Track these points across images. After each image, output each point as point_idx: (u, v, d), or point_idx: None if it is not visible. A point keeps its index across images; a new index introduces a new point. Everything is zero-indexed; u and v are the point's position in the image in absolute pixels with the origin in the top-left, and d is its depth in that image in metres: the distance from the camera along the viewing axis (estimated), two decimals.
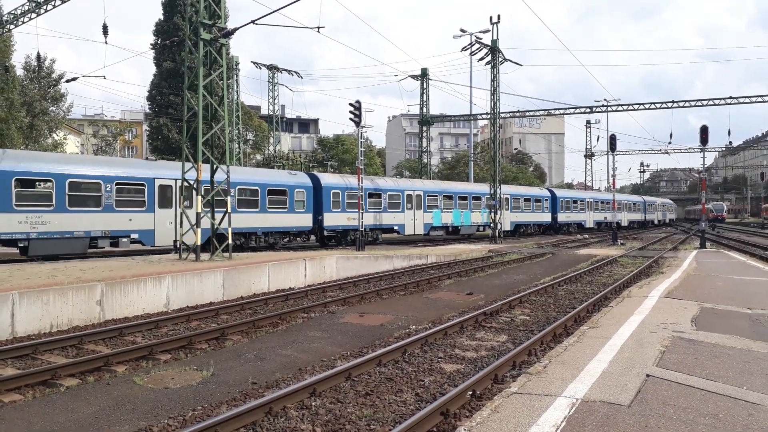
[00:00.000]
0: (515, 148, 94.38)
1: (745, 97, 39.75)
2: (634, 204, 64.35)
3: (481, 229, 39.34)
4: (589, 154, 69.27)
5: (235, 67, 42.72)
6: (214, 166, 18.25)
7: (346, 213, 28.56)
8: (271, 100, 46.26)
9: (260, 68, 45.22)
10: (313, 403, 6.63)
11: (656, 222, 72.75)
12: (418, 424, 5.64)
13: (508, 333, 10.32)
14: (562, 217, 47.53)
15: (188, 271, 13.83)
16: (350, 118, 24.97)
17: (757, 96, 39.75)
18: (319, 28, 19.30)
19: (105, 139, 45.24)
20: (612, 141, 35.57)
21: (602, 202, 54.48)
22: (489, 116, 37.17)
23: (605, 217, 53.72)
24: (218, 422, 5.70)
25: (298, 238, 27.48)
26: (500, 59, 34.58)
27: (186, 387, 7.42)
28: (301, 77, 45.95)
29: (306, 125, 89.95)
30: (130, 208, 20.04)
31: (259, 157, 54.09)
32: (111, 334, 10.17)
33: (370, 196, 29.93)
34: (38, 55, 35.23)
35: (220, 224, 18.12)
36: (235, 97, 43.43)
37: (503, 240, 35.36)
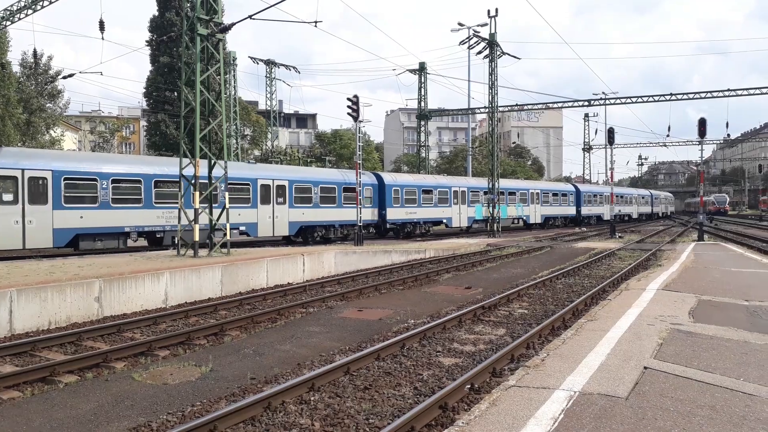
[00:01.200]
0: (513, 142, 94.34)
1: (743, 89, 39.73)
2: (643, 197, 68.62)
3: (516, 221, 43.27)
4: (588, 148, 69.20)
5: (232, 62, 42.60)
6: (212, 161, 18.22)
7: (404, 208, 32.20)
8: (268, 95, 46.20)
9: (258, 63, 45.17)
10: (312, 398, 6.64)
11: (661, 214, 75.96)
12: (417, 417, 5.66)
13: (506, 326, 10.34)
14: (585, 210, 51.37)
15: (186, 267, 13.82)
16: (348, 113, 24.94)
17: (756, 88, 39.73)
18: (316, 22, 19.25)
19: (102, 135, 45.13)
20: (610, 134, 35.57)
21: (618, 196, 58.40)
22: (487, 110, 37.13)
23: (620, 210, 58.30)
24: (217, 417, 5.71)
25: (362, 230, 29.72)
26: (498, 53, 34.54)
27: (185, 383, 7.42)
28: (299, 72, 45.98)
29: (304, 120, 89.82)
30: (239, 204, 23.20)
31: (257, 152, 54.02)
32: (109, 331, 10.17)
33: (424, 192, 33.59)
34: (35, 52, 35.07)
35: (217, 219, 18.11)
36: (233, 92, 43.35)
37: (502, 234, 35.40)
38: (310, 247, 22.54)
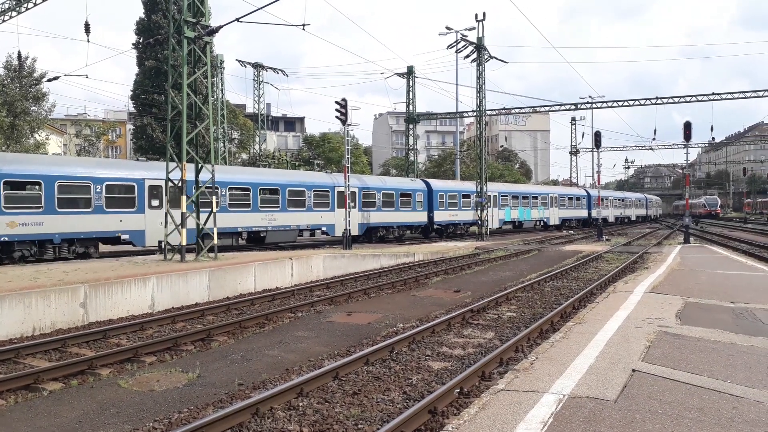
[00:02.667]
0: (501, 146, 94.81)
1: (728, 93, 40.20)
2: (639, 201, 73.43)
3: (539, 223, 47.19)
4: (575, 151, 69.71)
5: (219, 65, 42.42)
6: (199, 165, 18.10)
7: (447, 210, 36.27)
8: (256, 99, 46.04)
9: (245, 66, 44.99)
10: (301, 404, 6.59)
11: (652, 217, 79.70)
12: (406, 422, 5.63)
13: (495, 330, 10.35)
14: (594, 212, 54.27)
15: (173, 272, 13.70)
16: (336, 116, 24.89)
17: (739, 92, 40.22)
18: (304, 25, 19.23)
19: (88, 139, 44.73)
20: (597, 137, 35.85)
21: (619, 200, 64.75)
22: (475, 114, 37.26)
23: (621, 212, 63.81)
24: (204, 424, 5.64)
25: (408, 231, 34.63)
26: (486, 57, 34.67)
27: (171, 389, 7.34)
28: (287, 75, 45.81)
29: (292, 124, 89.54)
30: (321, 208, 27.62)
31: (244, 156, 53.79)
32: (95, 337, 10.04)
33: (464, 196, 37.52)
34: (19, 54, 34.67)
35: (204, 223, 17.98)
36: (220, 95, 43.15)
37: (490, 237, 35.50)
38: (298, 251, 22.51)
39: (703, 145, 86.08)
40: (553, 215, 48.50)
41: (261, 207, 24.70)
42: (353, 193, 28.96)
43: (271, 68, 45.33)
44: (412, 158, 44.52)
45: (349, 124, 25.26)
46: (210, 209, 17.99)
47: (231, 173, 25.19)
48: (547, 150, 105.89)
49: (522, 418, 4.79)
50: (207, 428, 5.64)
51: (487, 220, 37.46)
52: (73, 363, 8.11)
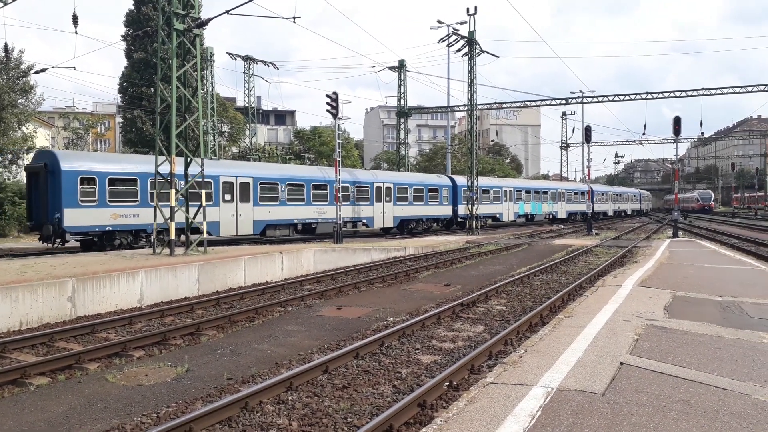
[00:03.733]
0: (492, 140, 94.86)
1: (717, 88, 40.45)
2: (634, 196, 76.47)
3: (548, 216, 50.33)
4: (565, 146, 69.96)
5: (209, 58, 42.12)
6: (189, 159, 17.99)
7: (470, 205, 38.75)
8: (246, 92, 45.80)
9: (235, 59, 44.79)
10: (290, 398, 6.58)
11: (644, 211, 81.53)
12: (395, 416, 5.63)
13: (484, 323, 10.37)
14: (596, 207, 58.10)
15: (162, 266, 13.63)
16: (327, 110, 24.80)
17: (729, 87, 40.47)
18: (294, 18, 19.12)
19: (76, 132, 44.29)
20: (587, 132, 35.96)
21: (618, 195, 68.66)
22: (466, 108, 37.26)
23: (618, 207, 67.53)
24: (193, 419, 5.62)
25: (434, 224, 37.42)
26: (477, 51, 34.64)
27: (160, 383, 7.31)
28: (278, 68, 45.64)
29: (282, 117, 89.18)
30: (361, 202, 30.57)
31: (234, 149, 53.51)
32: (83, 331, 9.97)
33: (483, 191, 40.27)
34: (6, 46, 34.17)
35: (194, 217, 17.88)
36: (210, 88, 42.86)
37: (481, 231, 35.59)
38: (288, 245, 22.46)
39: (692, 140, 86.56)
40: (561, 209, 51.74)
41: (313, 201, 27.66)
42: (389, 188, 32.50)
43: (261, 61, 45.16)
44: (403, 152, 44.49)
45: (340, 118, 25.18)
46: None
47: (288, 171, 28.52)
48: (537, 144, 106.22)
49: (510, 411, 4.81)
50: (196, 422, 5.61)
51: (503, 213, 42.95)
52: (61, 357, 8.05)
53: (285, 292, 14.28)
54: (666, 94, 41.76)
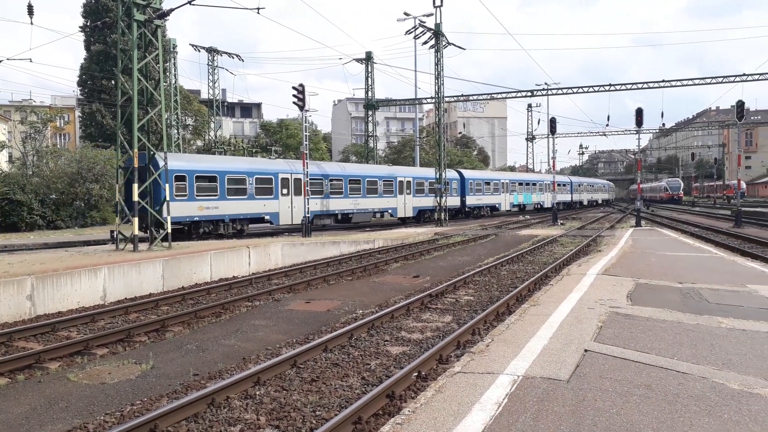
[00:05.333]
0: (460, 132, 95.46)
1: (677, 80, 41.36)
2: (603, 186, 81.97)
3: (538, 206, 55.03)
4: (531, 138, 70.74)
5: (172, 49, 41.25)
6: (151, 152, 17.62)
7: (475, 196, 44.20)
8: (211, 84, 45.01)
9: (199, 51, 43.86)
10: (258, 392, 6.52)
11: (609, 201, 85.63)
12: (364, 407, 5.63)
13: (453, 314, 10.45)
14: (575, 197, 65.39)
15: (126, 262, 13.34)
16: (294, 102, 24.55)
17: (688, 79, 41.44)
18: (258, 9, 18.85)
19: (34, 125, 42.94)
20: (552, 124, 36.42)
21: (591, 185, 75.21)
22: (434, 100, 37.35)
23: (591, 196, 73.59)
24: (158, 416, 5.53)
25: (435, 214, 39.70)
26: (444, 43, 34.72)
27: (124, 381, 7.16)
28: (242, 60, 44.93)
29: (248, 110, 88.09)
30: (388, 195, 34.38)
31: (199, 143, 52.64)
32: (43, 330, 9.70)
33: (486, 183, 45.66)
34: None
35: (159, 211, 17.54)
36: (173, 81, 42.00)
37: (450, 223, 35.82)
38: (255, 239, 22.26)
39: (654, 131, 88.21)
40: (547, 199, 56.00)
41: (349, 194, 31.46)
42: (409, 182, 36.43)
43: (226, 53, 44.39)
44: (371, 145, 44.40)
45: (307, 110, 24.97)
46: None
47: (329, 168, 31.97)
48: (504, 136, 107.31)
49: (477, 399, 4.85)
50: (161, 420, 5.52)
51: (501, 203, 47.85)
52: (20, 357, 7.82)
53: (252, 286, 14.14)
54: (629, 86, 42.49)
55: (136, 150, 16.60)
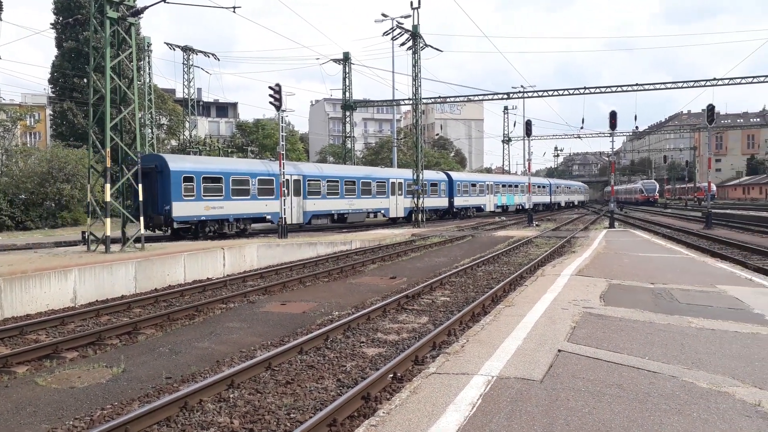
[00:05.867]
0: (437, 134, 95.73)
1: (650, 84, 42.13)
2: (579, 189, 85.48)
3: (519, 207, 56.63)
4: (507, 140, 71.37)
5: (146, 47, 40.69)
6: (123, 153, 17.34)
7: (463, 197, 45.94)
8: (186, 83, 44.51)
9: (174, 49, 43.41)
10: (231, 395, 6.45)
11: (583, 202, 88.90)
12: (339, 410, 5.61)
13: (429, 315, 10.47)
14: (554, 198, 68.50)
15: (97, 264, 13.10)
16: (270, 102, 24.39)
17: (661, 83, 42.25)
18: (234, 8, 18.72)
19: (3, 124, 41.95)
20: (528, 126, 36.79)
21: (569, 187, 78.60)
22: (411, 102, 37.44)
23: (569, 198, 77.07)
24: (129, 420, 5.43)
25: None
26: (421, 45, 34.83)
27: (94, 385, 7.03)
28: (218, 59, 44.57)
29: (224, 109, 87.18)
30: (380, 195, 35.77)
31: (174, 142, 51.99)
32: (10, 333, 9.45)
33: (472, 185, 47.87)
34: None
35: (134, 211, 17.26)
36: (147, 79, 41.45)
37: (427, 224, 35.92)
38: (230, 240, 22.06)
39: (627, 134, 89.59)
40: (528, 200, 56.62)
41: (345, 195, 32.74)
42: (401, 183, 37.81)
43: (201, 52, 43.99)
44: (349, 146, 44.34)
45: (283, 110, 24.83)
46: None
47: (327, 170, 33.71)
48: (480, 138, 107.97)
49: (452, 400, 4.86)
50: (132, 424, 5.43)
51: (486, 204, 49.80)
52: None
53: (227, 288, 13.99)
54: (603, 89, 43.14)
55: (108, 149, 16.32)
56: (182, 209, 23.32)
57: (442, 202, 43.20)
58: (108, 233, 16.14)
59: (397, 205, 37.58)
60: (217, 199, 24.76)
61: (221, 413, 5.99)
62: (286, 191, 27.60)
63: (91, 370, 7.61)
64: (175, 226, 23.70)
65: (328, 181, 31.51)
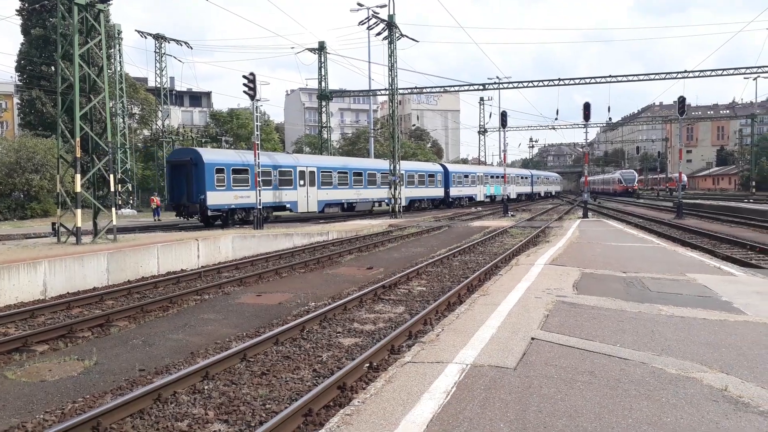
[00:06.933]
0: (414, 125, 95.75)
1: (623, 75, 42.64)
2: (556, 179, 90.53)
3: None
4: (483, 131, 71.69)
5: (116, 35, 39.84)
6: (93, 142, 17.00)
7: (457, 187, 48.82)
8: (158, 72, 43.73)
9: (146, 37, 42.54)
10: (206, 387, 6.41)
11: (561, 192, 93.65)
12: (315, 399, 5.61)
13: (405, 304, 10.51)
14: (536, 188, 72.43)
15: (68, 256, 12.86)
16: (244, 91, 24.12)
17: (633, 75, 42.81)
18: None
19: None
20: (503, 117, 36.99)
21: (547, 178, 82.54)
22: (388, 92, 37.35)
23: (548, 188, 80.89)
24: (101, 413, 5.36)
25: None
26: (397, 35, 34.70)
27: (65, 378, 6.92)
28: (191, 48, 43.89)
29: (198, 98, 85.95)
30: (384, 186, 37.68)
31: (146, 132, 51.14)
32: None
33: (464, 176, 50.46)
34: None
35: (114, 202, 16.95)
36: (118, 68, 40.63)
37: (404, 215, 36.01)
38: (205, 231, 21.84)
39: (601, 125, 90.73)
40: (513, 191, 61.98)
41: (353, 186, 35.21)
42: (401, 174, 38.55)
43: (174, 40, 43.21)
44: (325, 136, 44.10)
45: (258, 100, 24.58)
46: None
47: (337, 162, 36.20)
48: (457, 129, 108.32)
49: (426, 388, 4.89)
50: (104, 417, 5.36)
51: (477, 194, 52.57)
52: None
53: (201, 280, 13.86)
54: (577, 81, 43.57)
55: (78, 139, 15.98)
56: (215, 198, 25.48)
57: (438, 192, 45.91)
58: (79, 224, 15.85)
59: (400, 194, 38.95)
60: (244, 188, 27.00)
61: (196, 405, 5.94)
62: (301, 182, 30.71)
63: (62, 363, 7.49)
64: (209, 213, 25.60)
65: (338, 173, 34.06)
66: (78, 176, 15.94)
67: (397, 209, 34.69)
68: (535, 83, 44.35)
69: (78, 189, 15.91)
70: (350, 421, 4.31)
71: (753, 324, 7.18)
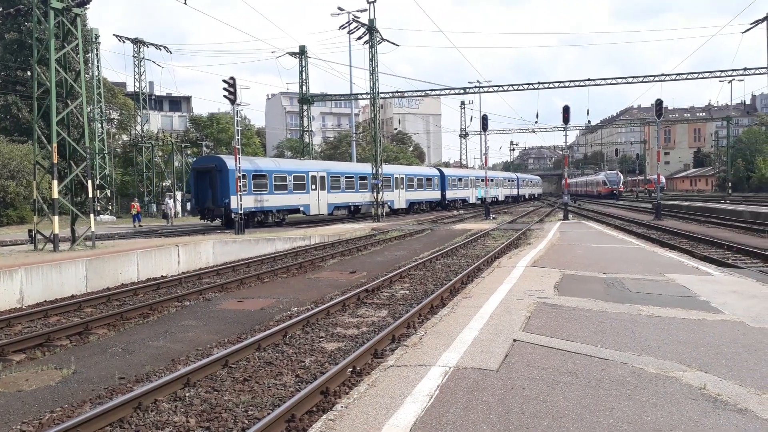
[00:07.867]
0: (395, 128, 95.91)
1: (602, 79, 43.15)
2: (537, 182, 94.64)
3: (494, 199, 61.68)
4: (464, 134, 72.11)
5: (94, 39, 39.37)
6: (71, 148, 16.77)
7: (452, 190, 51.11)
8: (137, 77, 43.28)
9: (124, 42, 42.10)
10: (187, 394, 6.34)
11: (542, 194, 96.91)
12: (298, 405, 5.57)
13: (388, 308, 10.51)
14: (521, 191, 74.03)
15: (45, 263, 12.65)
16: (224, 96, 23.96)
17: (612, 78, 43.31)
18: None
19: None
20: (484, 121, 37.20)
21: (530, 181, 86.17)
22: (369, 96, 37.36)
23: (531, 191, 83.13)
24: (80, 423, 5.29)
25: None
26: (378, 39, 34.75)
27: (43, 388, 6.80)
28: (170, 52, 43.76)
29: (177, 103, 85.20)
30: (387, 189, 38.43)
31: (125, 137, 50.57)
32: None
33: (458, 180, 53.24)
34: None
35: (95, 208, 16.71)
36: (96, 72, 40.15)
37: (387, 218, 36.02)
38: (186, 237, 21.62)
39: (580, 128, 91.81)
40: (501, 193, 65.53)
41: (359, 189, 37.24)
42: (402, 178, 42.29)
43: (152, 44, 42.81)
44: (307, 140, 43.96)
45: (238, 104, 24.44)
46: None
47: (344, 167, 38.41)
48: (438, 133, 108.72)
49: (410, 392, 4.89)
50: (83, 426, 5.29)
51: (469, 197, 54.63)
52: None
53: (182, 286, 13.72)
54: (556, 84, 43.97)
55: (55, 145, 15.74)
56: (238, 202, 26.22)
57: (435, 195, 48.29)
58: (56, 231, 15.61)
59: (400, 197, 42.25)
60: (263, 193, 29.14)
61: (177, 412, 5.88)
62: (313, 186, 32.76)
63: (40, 373, 7.36)
64: (233, 216, 26.26)
65: (345, 177, 36.15)
66: (55, 182, 15.70)
67: (380, 213, 34.69)
68: (515, 87, 44.67)
69: (55, 195, 15.67)
70: (333, 426, 4.29)
71: (730, 323, 7.29)
